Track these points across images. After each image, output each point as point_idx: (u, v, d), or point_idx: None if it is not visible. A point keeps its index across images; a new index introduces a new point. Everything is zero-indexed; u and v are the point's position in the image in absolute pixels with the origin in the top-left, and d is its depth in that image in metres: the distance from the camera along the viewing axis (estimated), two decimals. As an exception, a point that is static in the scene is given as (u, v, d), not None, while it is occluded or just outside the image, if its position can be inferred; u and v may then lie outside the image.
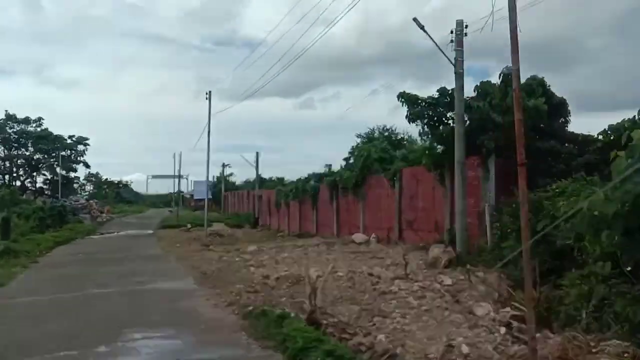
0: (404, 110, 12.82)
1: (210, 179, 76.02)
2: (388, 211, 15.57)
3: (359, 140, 42.46)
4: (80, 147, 41.21)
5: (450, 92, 12.45)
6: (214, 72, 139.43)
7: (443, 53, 11.83)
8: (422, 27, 11.96)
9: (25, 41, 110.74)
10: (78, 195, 43.83)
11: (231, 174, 68.74)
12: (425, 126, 12.85)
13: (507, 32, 4.73)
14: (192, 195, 79.24)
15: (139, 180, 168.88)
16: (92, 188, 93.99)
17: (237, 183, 67.97)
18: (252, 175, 57.70)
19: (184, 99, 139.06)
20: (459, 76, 11.86)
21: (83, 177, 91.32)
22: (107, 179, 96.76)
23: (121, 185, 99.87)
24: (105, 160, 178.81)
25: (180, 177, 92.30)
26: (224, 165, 59.94)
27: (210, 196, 69.96)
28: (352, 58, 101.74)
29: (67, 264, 15.20)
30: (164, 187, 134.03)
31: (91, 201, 43.82)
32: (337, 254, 13.21)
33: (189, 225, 34.64)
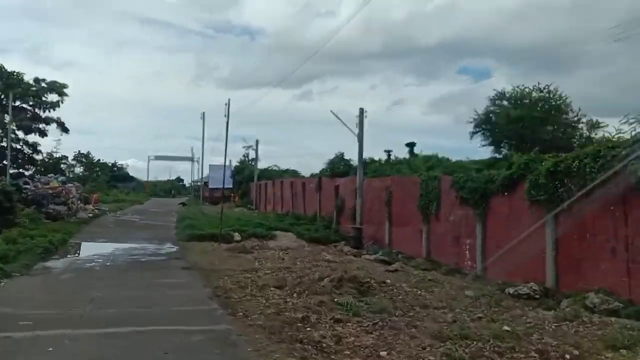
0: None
1: (223, 162, 60.95)
2: None
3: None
4: (53, 98, 25.82)
5: None
6: (213, 59, 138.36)
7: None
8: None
9: (21, 19, 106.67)
10: (49, 176, 28.41)
11: (253, 160, 53.17)
12: None
13: None
14: (205, 184, 63.94)
15: (134, 166, 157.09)
16: (82, 170, 79.29)
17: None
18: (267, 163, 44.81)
19: (183, 85, 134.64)
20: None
21: (72, 157, 77.43)
22: (99, 160, 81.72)
23: (116, 169, 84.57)
24: (98, 145, 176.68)
25: (192, 159, 76.59)
26: (257, 143, 44.57)
27: (230, 185, 54.60)
28: (353, 51, 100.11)
29: None
30: (164, 173, 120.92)
31: (69, 185, 28.44)
32: None
33: (236, 236, 19.54)
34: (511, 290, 10.24)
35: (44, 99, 25.69)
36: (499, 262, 12.08)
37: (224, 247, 17.29)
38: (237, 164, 55.13)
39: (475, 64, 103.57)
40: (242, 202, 47.47)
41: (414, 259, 15.60)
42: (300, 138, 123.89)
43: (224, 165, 21.09)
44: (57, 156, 76.94)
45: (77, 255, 14.55)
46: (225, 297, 9.10)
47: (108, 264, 13.01)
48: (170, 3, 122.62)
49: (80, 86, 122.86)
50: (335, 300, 8.91)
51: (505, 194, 12.01)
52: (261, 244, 18.79)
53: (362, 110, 19.48)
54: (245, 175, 50.02)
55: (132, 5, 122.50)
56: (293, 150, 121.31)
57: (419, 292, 10.18)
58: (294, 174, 47.30)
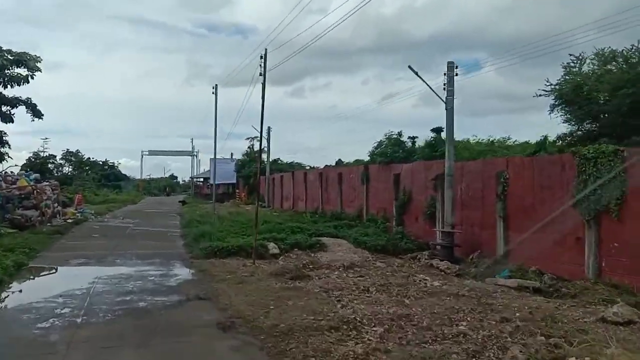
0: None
1: (223, 155, 54.35)
2: None
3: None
4: (20, 72, 19.73)
5: None
6: (205, 58, 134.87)
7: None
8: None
9: (10, 21, 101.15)
10: (18, 174, 22.41)
11: (263, 150, 46.95)
12: None
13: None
14: (205, 180, 57.89)
15: (127, 166, 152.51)
16: (71, 169, 73.58)
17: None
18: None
19: (175, 84, 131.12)
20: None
21: (60, 156, 71.80)
22: (89, 158, 75.61)
23: (107, 167, 78.39)
24: (90, 145, 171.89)
25: (193, 153, 70.62)
26: (269, 131, 38.50)
27: (233, 180, 48.43)
28: (344, 47, 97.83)
29: None
30: (158, 171, 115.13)
31: (43, 184, 22.37)
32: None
33: (272, 248, 13.74)
34: None
35: (7, 72, 19.48)
36: None
37: (265, 268, 11.39)
38: (243, 157, 48.94)
39: (465, 57, 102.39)
40: (251, 198, 41.47)
41: (569, 281, 9.80)
42: (292, 134, 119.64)
43: (266, 145, 14.95)
44: (44, 155, 71.35)
45: (29, 298, 8.54)
46: None
47: (79, 320, 7.04)
48: (161, 3, 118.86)
49: (72, 87, 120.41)
50: None
51: None
52: (311, 259, 12.97)
53: (452, 65, 13.54)
54: (253, 169, 43.98)
55: (123, 5, 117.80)
56: (285, 146, 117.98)
57: None
58: (300, 167, 41.76)
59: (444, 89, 13.53)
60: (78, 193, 29.05)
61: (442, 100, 13.51)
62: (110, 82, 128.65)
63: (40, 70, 20.96)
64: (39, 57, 21.25)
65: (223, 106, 60.43)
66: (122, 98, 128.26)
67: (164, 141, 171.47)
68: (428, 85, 13.65)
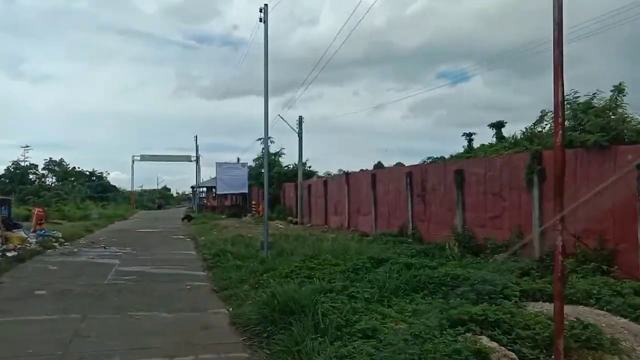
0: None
1: (228, 161, 44.44)
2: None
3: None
4: None
5: None
6: (195, 69, 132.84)
7: None
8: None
9: None
10: None
11: (280, 152, 37.72)
12: None
13: None
14: (210, 190, 48.68)
15: (117, 178, 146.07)
16: (54, 180, 64.70)
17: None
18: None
19: (165, 96, 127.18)
20: None
21: (42, 166, 62.90)
22: (74, 168, 66.57)
23: (94, 178, 69.15)
24: (79, 158, 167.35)
25: (196, 158, 61.55)
26: (300, 120, 29.33)
27: (244, 189, 39.13)
28: (335, 59, 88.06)
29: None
30: (150, 183, 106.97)
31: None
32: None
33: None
34: None
35: None
36: None
37: None
38: (256, 162, 39.62)
39: (453, 68, 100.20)
40: (275, 211, 32.42)
41: None
42: (286, 145, 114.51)
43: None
44: (25, 165, 61.79)
45: None
46: None
47: None
48: (150, 15, 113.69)
49: (60, 99, 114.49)
50: None
51: None
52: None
53: None
54: (274, 175, 34.96)
55: (112, 17, 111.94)
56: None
57: None
58: (311, 173, 33.37)
59: None
60: (38, 207, 19.72)
61: None
62: (99, 94, 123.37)
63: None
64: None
65: (224, 120, 52.39)
66: (111, 110, 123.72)
67: (155, 153, 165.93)
68: None
